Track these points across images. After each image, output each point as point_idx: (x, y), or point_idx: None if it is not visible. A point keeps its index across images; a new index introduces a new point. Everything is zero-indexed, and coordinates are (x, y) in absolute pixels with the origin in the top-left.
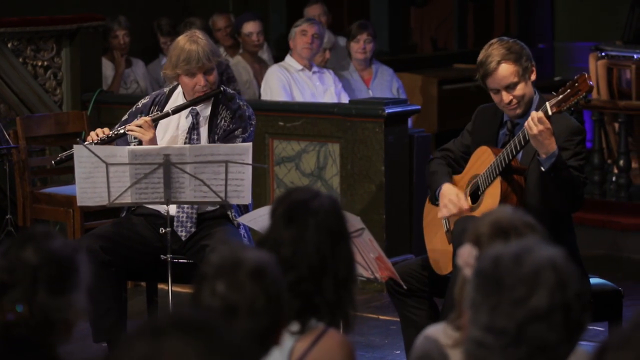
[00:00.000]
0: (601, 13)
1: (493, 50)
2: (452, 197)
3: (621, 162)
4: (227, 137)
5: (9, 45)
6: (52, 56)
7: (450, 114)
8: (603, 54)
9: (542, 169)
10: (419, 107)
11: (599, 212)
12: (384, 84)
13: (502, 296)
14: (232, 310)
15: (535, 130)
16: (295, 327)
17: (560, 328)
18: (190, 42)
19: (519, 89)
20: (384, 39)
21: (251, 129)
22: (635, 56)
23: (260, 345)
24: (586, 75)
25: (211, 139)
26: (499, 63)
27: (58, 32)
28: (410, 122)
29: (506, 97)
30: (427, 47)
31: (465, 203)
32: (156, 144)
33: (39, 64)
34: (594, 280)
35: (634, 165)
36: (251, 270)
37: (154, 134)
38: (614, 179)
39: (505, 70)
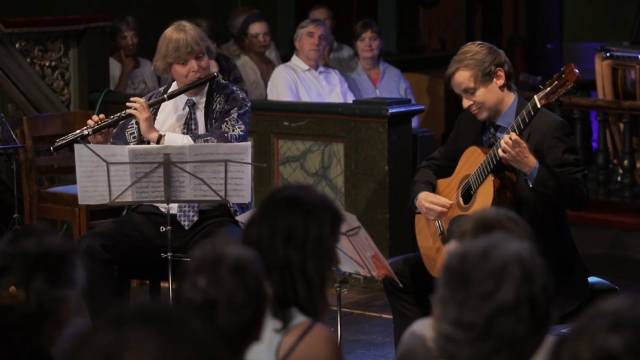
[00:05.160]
0: (609, 14)
1: (457, 56)
2: (428, 202)
3: (625, 162)
4: (224, 117)
5: (17, 45)
6: (60, 56)
7: (457, 115)
8: (608, 54)
9: (530, 185)
10: (423, 107)
11: (603, 212)
12: (391, 84)
13: (470, 291)
14: (211, 304)
15: (513, 154)
16: (277, 324)
17: (527, 321)
18: (177, 31)
19: (479, 95)
20: (391, 39)
21: (246, 107)
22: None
23: (241, 339)
24: (572, 66)
25: (208, 125)
26: (456, 70)
27: (65, 32)
28: (416, 122)
29: (465, 102)
30: (435, 47)
31: (443, 199)
32: (153, 125)
33: (47, 64)
34: (591, 279)
35: (638, 165)
36: (231, 266)
37: (150, 114)
38: (618, 178)
39: (460, 77)
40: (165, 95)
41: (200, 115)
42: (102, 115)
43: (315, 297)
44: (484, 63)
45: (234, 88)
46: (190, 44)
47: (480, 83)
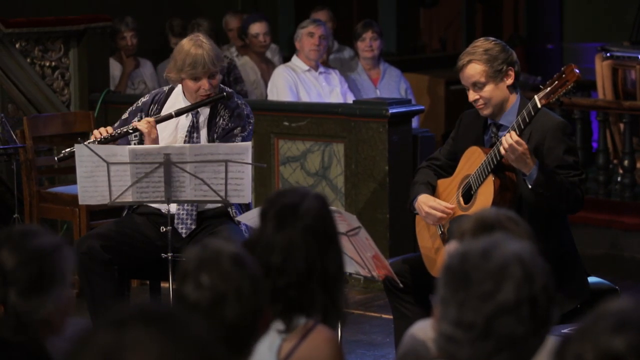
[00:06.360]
0: (609, 14)
1: (470, 49)
2: (428, 206)
3: (626, 162)
4: (227, 136)
5: (17, 45)
6: (60, 56)
7: (457, 115)
8: (608, 54)
9: (529, 186)
10: (423, 107)
11: (604, 212)
12: (392, 85)
13: (470, 291)
14: (220, 299)
15: (516, 154)
16: (280, 325)
17: (528, 321)
18: (195, 46)
19: (487, 91)
20: (391, 40)
21: (250, 127)
22: None
23: (249, 332)
24: (573, 65)
25: (210, 138)
26: (469, 62)
27: (66, 32)
28: (416, 122)
29: (472, 95)
30: (436, 48)
31: (444, 203)
32: (159, 144)
33: (47, 64)
34: (591, 279)
35: (638, 165)
36: (232, 258)
37: (157, 134)
38: (619, 179)
39: (472, 70)
40: (173, 112)
41: (203, 125)
42: (109, 128)
43: (334, 299)
44: (497, 60)
45: (239, 102)
46: (208, 64)
47: (490, 79)
